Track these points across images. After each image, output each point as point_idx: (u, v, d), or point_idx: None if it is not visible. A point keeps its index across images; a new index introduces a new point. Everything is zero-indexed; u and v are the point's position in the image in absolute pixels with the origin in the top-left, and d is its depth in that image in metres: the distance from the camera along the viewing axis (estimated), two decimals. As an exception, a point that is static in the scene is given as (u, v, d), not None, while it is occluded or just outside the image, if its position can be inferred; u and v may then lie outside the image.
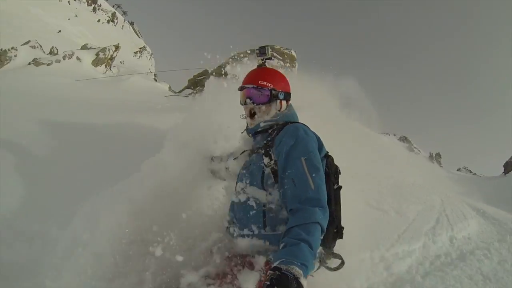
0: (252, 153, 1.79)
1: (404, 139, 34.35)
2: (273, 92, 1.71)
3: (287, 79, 1.84)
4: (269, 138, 1.64)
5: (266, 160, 1.57)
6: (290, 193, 1.39)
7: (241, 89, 1.79)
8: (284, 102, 1.78)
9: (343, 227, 1.67)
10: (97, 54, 12.24)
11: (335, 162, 1.74)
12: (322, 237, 1.39)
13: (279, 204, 1.54)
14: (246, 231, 1.60)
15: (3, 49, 11.78)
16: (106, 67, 12.32)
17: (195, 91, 12.74)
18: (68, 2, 55.16)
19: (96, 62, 12.15)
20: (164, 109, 6.92)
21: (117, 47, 13.36)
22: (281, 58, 14.75)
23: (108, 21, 63.48)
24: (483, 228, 7.06)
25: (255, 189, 1.61)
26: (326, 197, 1.39)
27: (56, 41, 18.20)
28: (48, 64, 9.94)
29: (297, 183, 1.38)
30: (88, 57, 12.02)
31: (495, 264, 4.04)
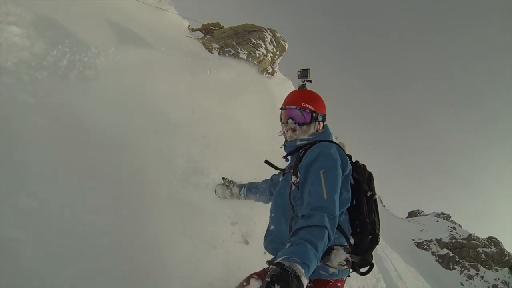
0: (284, 174, 1.97)
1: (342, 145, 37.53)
2: (314, 114, 1.84)
3: (324, 101, 1.94)
4: (299, 157, 1.74)
5: (293, 178, 1.69)
6: (305, 201, 1.47)
7: (283, 108, 1.92)
8: (321, 123, 1.92)
9: (378, 233, 1.74)
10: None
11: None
12: (352, 247, 1.64)
13: None
14: (279, 245, 1.71)
15: None
16: (153, -9, 15.90)
17: (205, 38, 16.72)
18: None
19: (148, -14, 15.62)
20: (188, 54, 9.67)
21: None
22: (276, 45, 18.90)
23: None
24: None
25: (284, 205, 1.76)
26: (337, 208, 1.44)
27: None
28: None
29: (312, 193, 1.46)
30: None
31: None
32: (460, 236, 37.59)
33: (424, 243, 36.12)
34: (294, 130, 1.87)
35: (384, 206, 49.46)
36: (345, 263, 1.60)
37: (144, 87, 4.26)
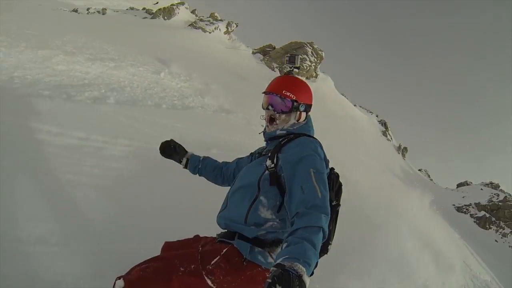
0: (260, 155, 1.89)
1: (383, 123, 36.75)
2: (295, 103, 1.75)
3: (311, 90, 1.88)
4: (279, 143, 1.70)
5: (268, 162, 1.63)
6: (297, 198, 1.42)
7: (265, 93, 1.83)
8: (303, 114, 1.82)
9: (330, 243, 1.75)
10: (226, 28, 23.23)
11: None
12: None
13: (265, 205, 1.60)
14: (230, 222, 1.67)
15: (171, 5, 23.47)
16: (228, 35, 23.36)
17: (265, 58, 23.52)
18: None
19: (226, 32, 23.23)
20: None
21: (237, 24, 24.39)
22: (316, 56, 25.13)
23: None
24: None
25: (250, 185, 1.67)
26: (329, 207, 1.42)
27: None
28: (210, 32, 20.87)
29: (305, 191, 1.42)
30: (222, 28, 22.93)
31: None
32: (497, 199, 41.18)
33: (463, 207, 40.29)
34: (273, 119, 1.80)
35: (431, 179, 51.77)
36: None
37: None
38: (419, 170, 40.02)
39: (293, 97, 1.76)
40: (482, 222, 39.08)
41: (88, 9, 23.86)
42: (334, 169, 1.82)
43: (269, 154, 1.68)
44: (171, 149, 2.19)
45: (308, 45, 25.47)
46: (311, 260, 1.14)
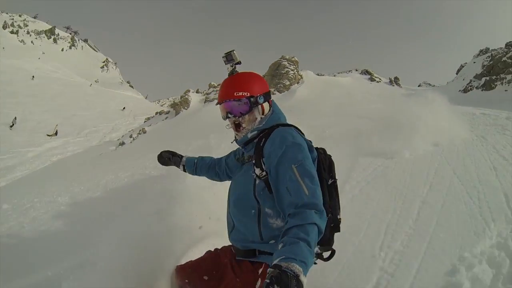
0: (243, 163, 1.81)
1: (365, 72, 38.35)
2: (252, 99, 1.66)
3: (261, 77, 1.78)
4: (258, 146, 1.61)
5: (257, 171, 1.57)
6: (286, 201, 1.40)
7: (219, 103, 1.74)
8: (265, 104, 1.73)
9: (340, 219, 1.72)
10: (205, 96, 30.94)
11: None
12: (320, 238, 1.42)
13: (272, 215, 1.56)
14: (247, 243, 1.64)
15: (182, 98, 30.31)
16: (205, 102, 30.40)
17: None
18: (32, 42, 68.18)
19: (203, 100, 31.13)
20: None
21: (216, 86, 31.29)
22: (293, 63, 30.49)
23: (69, 47, 75.59)
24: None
25: (248, 199, 1.62)
26: (321, 201, 1.40)
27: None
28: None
29: (292, 191, 1.39)
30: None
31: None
32: (488, 61, 37.75)
33: (468, 87, 36.79)
34: (238, 125, 1.72)
35: (434, 85, 44.84)
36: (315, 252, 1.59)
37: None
38: (418, 86, 40.65)
39: (247, 94, 1.65)
40: (487, 86, 40.09)
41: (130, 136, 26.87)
42: (317, 147, 1.75)
43: (254, 161, 1.60)
44: (164, 160, 2.30)
45: (282, 59, 31.03)
46: (307, 259, 1.13)
